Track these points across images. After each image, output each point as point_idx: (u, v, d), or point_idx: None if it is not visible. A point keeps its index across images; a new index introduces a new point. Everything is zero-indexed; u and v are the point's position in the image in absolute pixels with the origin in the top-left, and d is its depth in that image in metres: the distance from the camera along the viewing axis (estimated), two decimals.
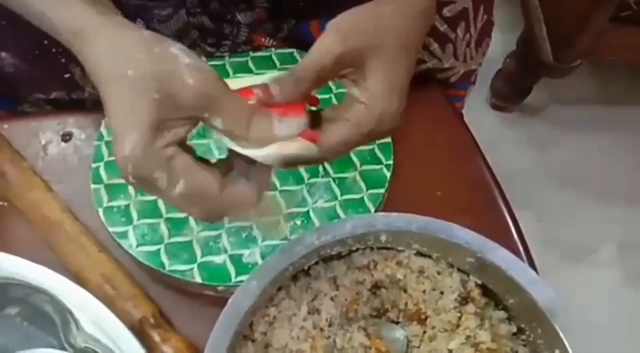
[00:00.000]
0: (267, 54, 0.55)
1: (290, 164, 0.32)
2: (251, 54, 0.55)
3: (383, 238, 0.38)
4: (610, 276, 1.11)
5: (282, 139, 0.31)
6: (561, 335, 0.34)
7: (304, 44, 0.57)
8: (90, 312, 0.38)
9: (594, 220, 1.16)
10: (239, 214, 0.32)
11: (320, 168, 0.48)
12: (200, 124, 0.47)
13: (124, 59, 0.30)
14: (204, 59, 0.53)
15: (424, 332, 0.39)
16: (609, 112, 1.30)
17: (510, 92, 1.24)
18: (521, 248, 0.50)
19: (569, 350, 0.34)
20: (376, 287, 0.40)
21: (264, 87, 0.32)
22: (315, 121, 0.34)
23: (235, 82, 0.35)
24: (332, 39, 0.33)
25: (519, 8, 1.18)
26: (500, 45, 1.22)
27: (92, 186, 0.45)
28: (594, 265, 1.12)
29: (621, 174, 1.23)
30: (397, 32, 0.34)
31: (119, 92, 0.30)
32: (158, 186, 0.30)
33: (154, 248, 0.42)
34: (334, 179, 0.47)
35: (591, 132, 1.27)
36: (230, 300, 0.35)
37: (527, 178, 1.18)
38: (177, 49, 0.30)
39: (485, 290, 0.40)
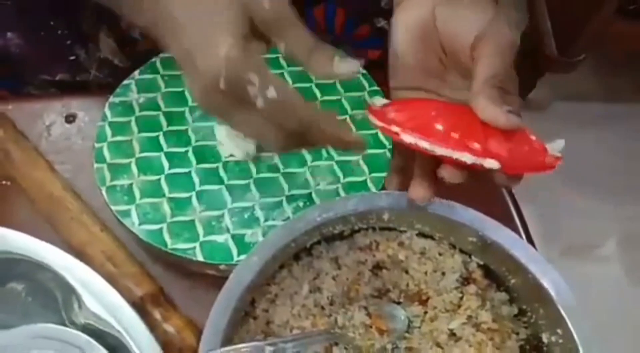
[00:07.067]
0: None
1: None
2: None
3: (386, 217, 0.38)
4: (611, 271, 1.11)
5: (340, 77, 0.31)
6: (564, 314, 0.34)
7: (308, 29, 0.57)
8: (93, 288, 0.38)
9: (595, 215, 1.16)
10: (326, 135, 0.32)
11: (324, 151, 0.48)
12: None
13: None
14: None
15: (425, 313, 0.39)
16: (612, 108, 1.30)
17: None
18: (524, 238, 0.50)
19: (572, 329, 0.34)
20: (378, 267, 0.40)
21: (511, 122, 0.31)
22: None
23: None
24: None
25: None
26: None
27: (95, 165, 0.45)
28: (595, 260, 1.12)
29: (623, 170, 1.23)
30: None
31: (200, 12, 0.31)
32: (248, 92, 0.30)
33: (156, 226, 0.42)
34: (337, 162, 0.47)
35: (594, 127, 1.27)
36: (231, 276, 0.35)
37: None
38: None
39: (487, 272, 0.40)
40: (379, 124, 0.33)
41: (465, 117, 0.32)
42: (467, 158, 0.30)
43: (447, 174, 0.32)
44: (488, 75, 0.31)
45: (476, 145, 0.31)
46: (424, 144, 0.31)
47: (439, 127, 0.32)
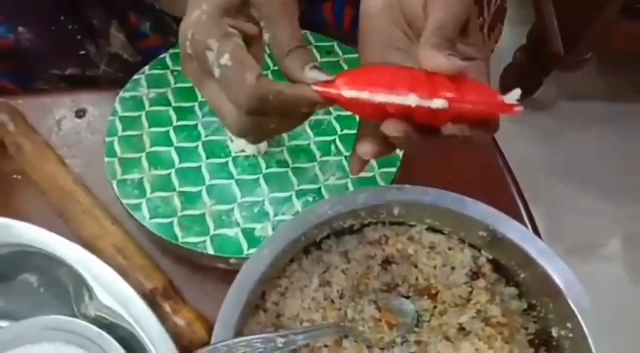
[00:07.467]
0: None
1: None
2: None
3: (396, 211, 0.39)
4: (614, 270, 1.11)
5: (305, 81, 0.31)
6: (574, 308, 0.34)
7: (317, 26, 0.57)
8: (103, 281, 0.39)
9: (599, 214, 1.16)
10: (269, 112, 0.31)
11: (332, 146, 0.48)
12: None
13: None
14: None
15: (435, 307, 0.39)
16: (617, 107, 1.30)
17: (519, 87, 1.23)
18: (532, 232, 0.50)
19: (582, 323, 0.34)
20: (387, 262, 0.41)
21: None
22: None
23: None
24: None
25: (529, 4, 1.18)
26: (510, 40, 1.23)
27: (106, 159, 0.45)
28: (598, 259, 1.12)
29: (627, 169, 1.23)
30: None
31: None
32: (207, 59, 0.30)
33: (167, 220, 0.43)
34: (346, 158, 0.47)
35: (598, 127, 1.27)
36: (242, 268, 0.35)
37: (533, 171, 1.18)
38: None
39: (496, 267, 0.40)
40: (320, 88, 0.31)
41: (415, 74, 0.30)
42: (411, 100, 0.29)
43: (388, 127, 0.30)
44: (434, 28, 0.31)
45: (423, 93, 0.29)
46: (364, 95, 0.30)
47: (385, 82, 0.30)
